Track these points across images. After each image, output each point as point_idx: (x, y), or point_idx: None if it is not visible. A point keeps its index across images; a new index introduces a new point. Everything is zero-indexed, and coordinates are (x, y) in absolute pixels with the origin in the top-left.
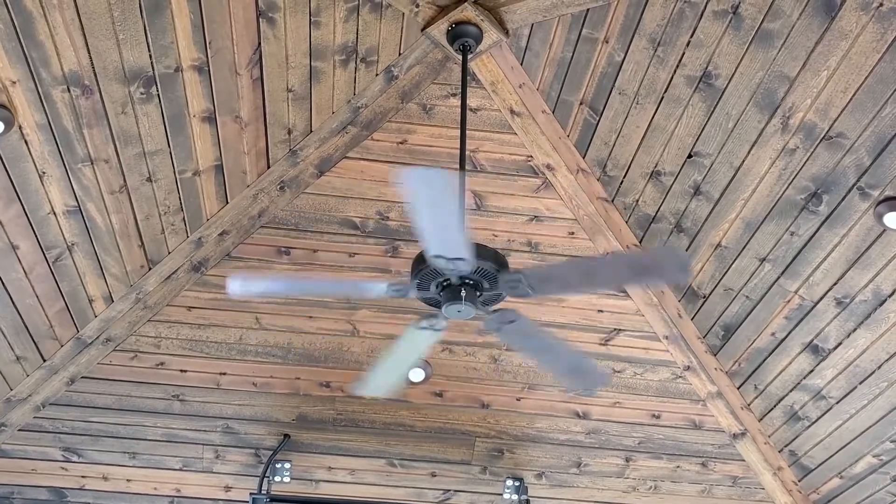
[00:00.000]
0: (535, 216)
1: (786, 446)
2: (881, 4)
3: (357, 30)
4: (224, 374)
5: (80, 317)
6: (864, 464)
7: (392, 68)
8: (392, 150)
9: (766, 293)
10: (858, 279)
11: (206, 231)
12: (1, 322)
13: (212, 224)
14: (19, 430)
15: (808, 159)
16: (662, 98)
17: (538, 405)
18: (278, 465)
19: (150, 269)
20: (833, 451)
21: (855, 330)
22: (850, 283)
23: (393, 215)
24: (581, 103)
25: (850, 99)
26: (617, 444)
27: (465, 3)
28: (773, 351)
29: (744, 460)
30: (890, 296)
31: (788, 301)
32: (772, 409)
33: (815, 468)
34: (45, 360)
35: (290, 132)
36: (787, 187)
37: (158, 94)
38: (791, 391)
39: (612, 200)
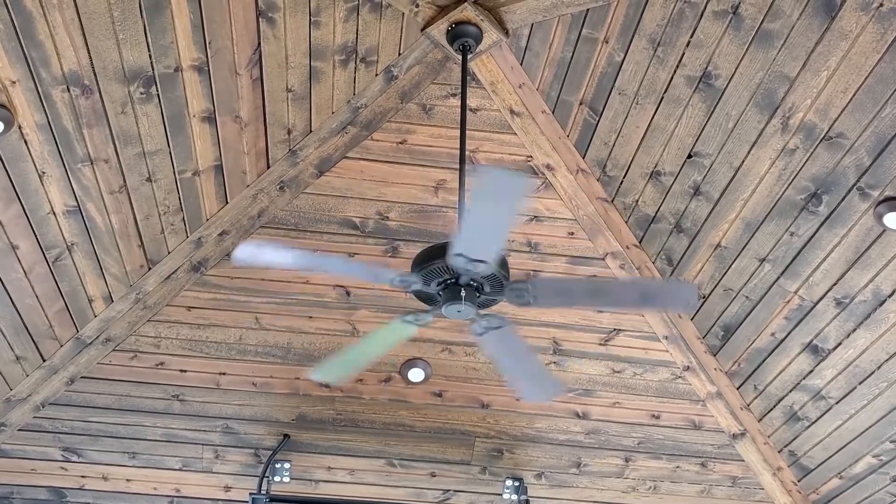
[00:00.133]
0: (535, 216)
1: (785, 446)
2: (881, 5)
3: (357, 30)
4: (224, 374)
5: (80, 317)
6: (863, 464)
7: (392, 68)
8: (392, 150)
9: (765, 293)
10: (858, 279)
11: (206, 231)
12: (1, 322)
13: (211, 224)
14: (19, 429)
15: (807, 159)
16: (662, 98)
17: (538, 405)
18: (278, 465)
19: (149, 269)
20: (833, 451)
21: (854, 330)
22: (849, 283)
23: (392, 215)
24: (581, 103)
25: (850, 99)
26: (616, 445)
27: (465, 3)
28: (772, 351)
29: (743, 460)
30: (889, 296)
31: (788, 301)
32: (771, 409)
33: (815, 468)
34: (44, 360)
35: (289, 132)
36: (787, 187)
37: (158, 94)
38: (791, 391)
39: (612, 200)
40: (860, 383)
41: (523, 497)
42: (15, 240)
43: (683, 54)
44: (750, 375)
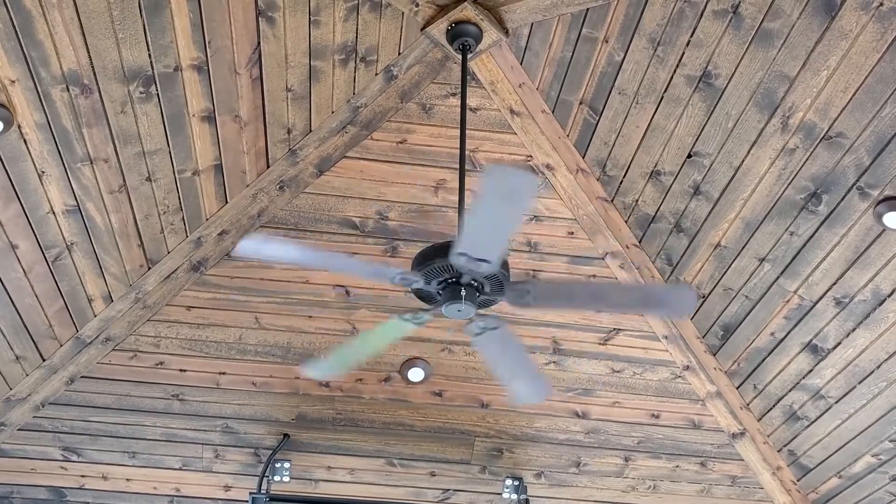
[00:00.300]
0: (535, 216)
1: (785, 446)
2: (881, 4)
3: (357, 29)
4: (223, 373)
5: (80, 316)
6: (862, 463)
7: (392, 68)
8: (391, 150)
9: (765, 293)
10: (858, 279)
11: (206, 231)
12: (0, 321)
13: (211, 224)
14: (19, 429)
15: (807, 159)
16: (662, 98)
17: (537, 405)
18: (278, 465)
19: (149, 268)
20: (832, 450)
21: (854, 330)
22: (849, 282)
23: (392, 215)
24: (581, 103)
25: (850, 99)
26: (616, 444)
27: (465, 3)
28: (772, 351)
29: (743, 460)
30: (889, 295)
31: (788, 301)
32: (771, 408)
33: (814, 468)
34: (44, 360)
35: (289, 132)
36: (787, 187)
37: (158, 94)
38: (790, 391)
39: (612, 200)
40: (860, 383)
41: (523, 496)
42: (14, 239)
43: (683, 54)
44: (749, 375)
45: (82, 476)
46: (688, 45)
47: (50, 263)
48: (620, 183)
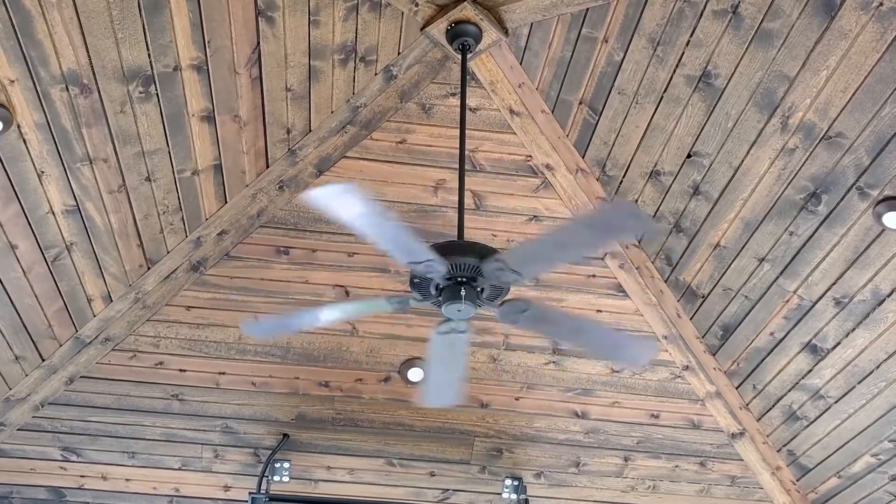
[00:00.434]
0: (535, 216)
1: (784, 446)
2: (881, 4)
3: (356, 29)
4: (223, 373)
5: (79, 316)
6: (862, 463)
7: (391, 67)
8: (391, 150)
9: (764, 293)
10: (857, 279)
11: (205, 230)
12: (0, 321)
13: (211, 223)
14: (18, 429)
15: (807, 159)
16: (662, 98)
17: (537, 405)
18: (277, 465)
19: (148, 268)
20: (831, 450)
21: (854, 330)
22: (848, 282)
23: (392, 215)
24: (580, 103)
25: (850, 98)
26: (616, 444)
27: (465, 3)
28: (771, 351)
29: (742, 460)
30: (888, 295)
31: (787, 301)
32: (770, 408)
33: (814, 468)
34: (43, 360)
35: (289, 131)
36: (787, 187)
37: (157, 94)
38: (790, 391)
39: (612, 200)
40: (859, 383)
41: (522, 496)
42: (14, 239)
43: (683, 54)
44: (749, 375)
45: (82, 476)
46: (687, 44)
47: (49, 263)
48: (620, 183)
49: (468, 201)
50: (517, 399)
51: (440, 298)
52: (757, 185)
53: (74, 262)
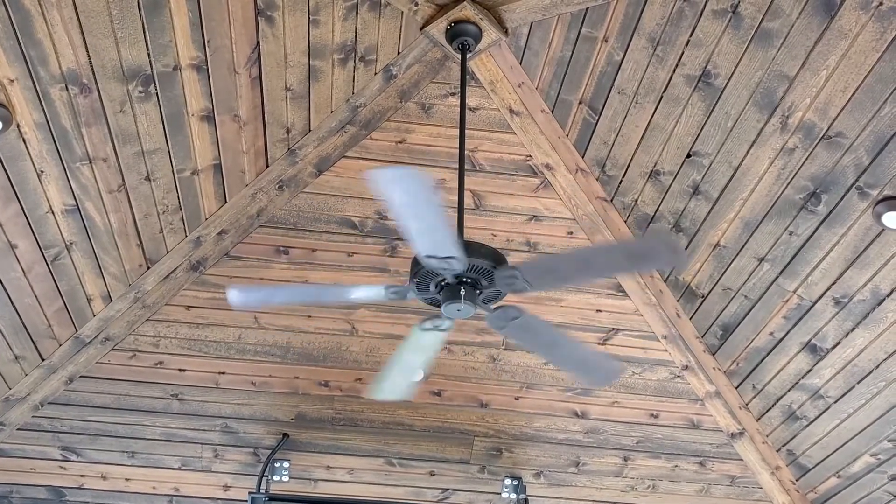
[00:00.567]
0: (534, 216)
1: (784, 446)
2: (881, 3)
3: (356, 28)
4: (223, 373)
5: (79, 316)
6: (861, 463)
7: (391, 67)
8: (391, 150)
9: (764, 293)
10: (857, 279)
11: (205, 230)
12: None
13: (210, 223)
14: (18, 429)
15: (807, 159)
16: (662, 97)
17: (536, 404)
18: (277, 465)
19: (148, 268)
20: (831, 450)
21: (853, 329)
22: (848, 282)
23: (392, 215)
24: (580, 102)
25: (850, 98)
26: (615, 444)
27: (464, 2)
28: (771, 350)
29: (742, 460)
30: (888, 295)
31: (787, 301)
32: (770, 408)
33: (813, 467)
34: (43, 360)
35: (288, 131)
36: (786, 187)
37: (157, 93)
38: (789, 391)
39: (611, 200)
40: (858, 382)
41: (522, 496)
42: (13, 239)
43: (683, 53)
44: (748, 375)
45: (81, 476)
46: (687, 44)
47: (49, 263)
48: (620, 183)
49: (468, 201)
50: (517, 399)
51: (439, 296)
52: (757, 184)
53: (74, 261)
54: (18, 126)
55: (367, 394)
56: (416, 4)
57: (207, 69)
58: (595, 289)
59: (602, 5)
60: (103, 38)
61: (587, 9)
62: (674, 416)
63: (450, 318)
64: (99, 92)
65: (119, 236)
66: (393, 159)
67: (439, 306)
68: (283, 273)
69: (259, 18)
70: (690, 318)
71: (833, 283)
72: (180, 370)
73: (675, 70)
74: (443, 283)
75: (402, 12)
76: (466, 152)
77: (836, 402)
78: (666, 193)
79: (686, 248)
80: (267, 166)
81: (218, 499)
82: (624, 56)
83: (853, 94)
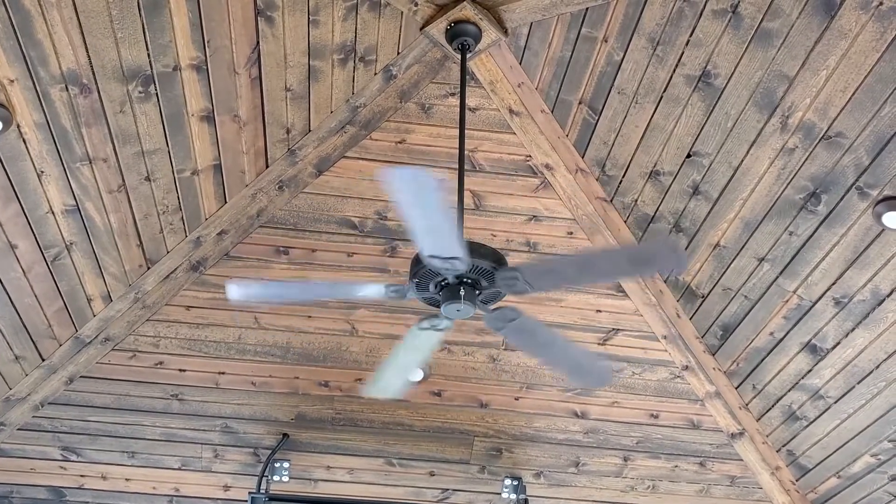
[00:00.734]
0: (534, 216)
1: (784, 446)
2: (881, 3)
3: (356, 29)
4: (223, 373)
5: (79, 316)
6: (861, 463)
7: (391, 67)
8: (391, 150)
9: (764, 293)
10: (857, 279)
11: (205, 230)
12: None
13: (210, 223)
14: (18, 429)
15: (806, 159)
16: (661, 97)
17: (536, 405)
18: (277, 465)
19: (148, 268)
20: (831, 450)
21: (853, 330)
22: (848, 282)
23: (391, 215)
24: (580, 103)
25: (850, 98)
26: (615, 444)
27: (464, 2)
28: (771, 350)
29: (742, 460)
30: (888, 295)
31: (787, 301)
32: (770, 408)
33: (813, 468)
34: (43, 360)
35: (288, 131)
36: (786, 187)
37: (157, 93)
38: (789, 391)
39: (611, 200)
40: (858, 383)
41: (522, 496)
42: (14, 239)
43: (683, 53)
44: (748, 375)
45: (81, 476)
46: (687, 44)
47: (49, 263)
48: (620, 183)
49: (467, 201)
50: (517, 399)
51: (439, 296)
52: (756, 184)
53: (74, 261)
54: (18, 126)
55: (364, 391)
56: (416, 4)
57: (207, 69)
58: (595, 289)
59: (602, 5)
60: (103, 39)
61: (587, 9)
62: (674, 416)
63: (449, 319)
64: (99, 92)
65: (119, 236)
66: (393, 159)
67: (438, 306)
68: (283, 273)
69: (259, 19)
70: (690, 319)
71: (833, 284)
72: (180, 370)
73: (674, 70)
74: (443, 284)
75: (402, 12)
76: (466, 152)
77: (836, 402)
78: (666, 193)
79: (686, 249)
80: (267, 166)
81: (218, 499)
82: (624, 56)
83: (853, 94)
